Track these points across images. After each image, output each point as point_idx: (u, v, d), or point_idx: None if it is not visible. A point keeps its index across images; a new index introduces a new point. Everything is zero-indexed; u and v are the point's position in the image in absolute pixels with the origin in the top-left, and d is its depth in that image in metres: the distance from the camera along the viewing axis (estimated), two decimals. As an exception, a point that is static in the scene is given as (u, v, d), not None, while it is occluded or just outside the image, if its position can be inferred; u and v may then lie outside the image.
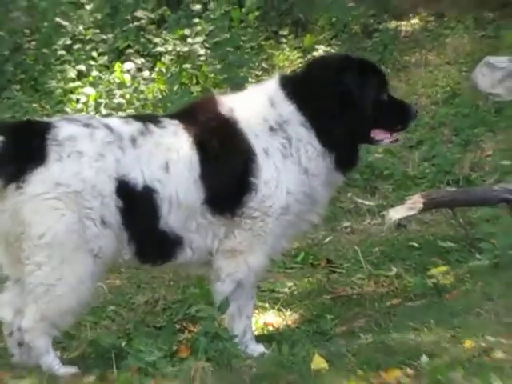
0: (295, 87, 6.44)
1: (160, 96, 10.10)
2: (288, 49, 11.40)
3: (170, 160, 6.18)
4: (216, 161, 6.23)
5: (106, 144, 6.12)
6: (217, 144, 6.25)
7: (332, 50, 11.47)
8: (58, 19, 10.90)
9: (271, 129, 6.32)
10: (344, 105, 6.33)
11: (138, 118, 6.58)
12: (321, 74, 6.48)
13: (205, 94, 7.50)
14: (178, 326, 6.79)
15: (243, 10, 11.29)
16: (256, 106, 6.41)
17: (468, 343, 6.06)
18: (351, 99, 6.33)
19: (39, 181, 5.97)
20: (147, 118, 6.48)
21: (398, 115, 6.50)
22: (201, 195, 6.21)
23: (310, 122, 6.34)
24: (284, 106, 6.37)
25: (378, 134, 6.44)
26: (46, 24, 10.94)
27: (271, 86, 6.48)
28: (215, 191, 6.23)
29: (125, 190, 6.11)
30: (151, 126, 6.29)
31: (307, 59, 6.51)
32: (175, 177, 6.18)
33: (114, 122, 6.35)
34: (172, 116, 6.52)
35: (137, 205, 6.17)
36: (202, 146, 6.23)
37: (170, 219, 6.19)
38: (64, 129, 6.14)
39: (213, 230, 6.29)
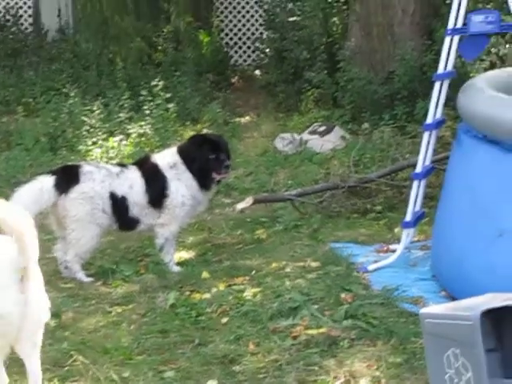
0: (181, 150, 6.39)
1: (130, 154, 10.08)
2: (190, 131, 11.27)
3: (132, 184, 6.17)
4: (151, 183, 6.22)
5: (105, 176, 6.12)
6: (151, 176, 6.24)
7: (208, 130, 11.26)
8: (83, 118, 10.84)
9: (171, 167, 6.26)
10: (197, 161, 6.29)
11: (119, 164, 6.64)
12: (192, 145, 6.46)
13: (146, 154, 7.50)
14: (139, 258, 6.63)
15: (168, 112, 11.27)
16: (167, 158, 6.37)
17: (274, 265, 6.12)
18: (200, 159, 6.29)
19: (75, 191, 5.97)
20: (122, 165, 6.49)
21: (219, 166, 6.34)
22: (146, 199, 6.20)
23: (187, 167, 6.30)
24: (178, 159, 6.33)
25: (214, 175, 6.34)
26: (77, 119, 10.88)
27: (173, 150, 6.48)
28: (152, 197, 6.22)
29: (113, 197, 6.11)
30: (124, 169, 6.28)
31: (191, 136, 6.45)
32: (135, 191, 6.16)
33: (108, 166, 6.39)
34: (133, 164, 6.50)
35: (118, 204, 6.12)
36: (145, 176, 6.22)
37: (134, 211, 6.18)
38: (86, 167, 6.17)
39: (152, 215, 6.24)
